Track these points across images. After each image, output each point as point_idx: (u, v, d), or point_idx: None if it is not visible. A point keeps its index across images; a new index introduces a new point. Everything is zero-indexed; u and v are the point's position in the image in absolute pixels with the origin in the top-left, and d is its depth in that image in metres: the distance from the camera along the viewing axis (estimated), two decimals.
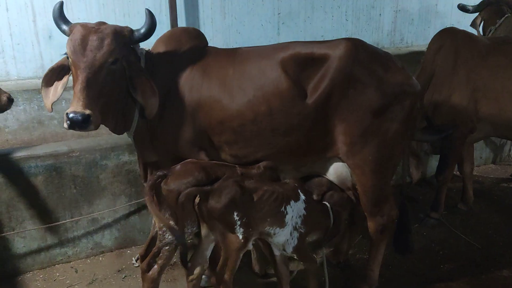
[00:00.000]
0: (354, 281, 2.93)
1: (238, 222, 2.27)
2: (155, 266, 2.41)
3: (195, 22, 4.19)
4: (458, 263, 3.26)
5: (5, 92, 2.80)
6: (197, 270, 2.51)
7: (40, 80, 3.63)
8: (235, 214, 2.26)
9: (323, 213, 2.63)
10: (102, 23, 2.46)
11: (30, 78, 3.73)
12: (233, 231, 2.28)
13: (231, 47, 3.39)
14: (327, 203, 2.65)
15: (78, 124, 2.20)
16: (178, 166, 2.43)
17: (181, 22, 4.07)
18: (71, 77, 2.39)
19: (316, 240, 2.70)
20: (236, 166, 2.56)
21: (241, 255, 2.35)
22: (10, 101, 2.81)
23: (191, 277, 2.51)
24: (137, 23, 2.63)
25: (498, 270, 3.16)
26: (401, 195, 2.98)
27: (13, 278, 3.07)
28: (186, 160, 2.51)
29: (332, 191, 2.72)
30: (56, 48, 3.73)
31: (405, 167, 3.19)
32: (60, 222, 3.14)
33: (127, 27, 2.48)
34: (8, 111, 2.99)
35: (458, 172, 4.16)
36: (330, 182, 2.77)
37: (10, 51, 3.62)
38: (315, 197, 2.70)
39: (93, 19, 3.21)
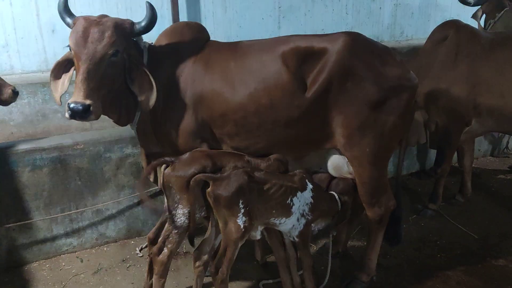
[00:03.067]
0: (353, 270, 2.99)
1: (242, 211, 2.32)
2: (165, 250, 2.48)
3: (196, 16, 4.22)
4: (455, 252, 3.33)
5: (10, 85, 2.85)
6: (204, 257, 2.58)
7: (44, 74, 3.76)
8: (241, 202, 2.31)
9: (330, 200, 2.68)
10: (104, 16, 2.52)
11: (34, 71, 3.77)
12: (236, 219, 2.33)
13: (232, 41, 3.44)
14: (333, 192, 2.70)
15: (79, 113, 2.25)
16: (186, 154, 2.50)
17: (183, 16, 4.10)
18: None
19: (325, 226, 2.76)
20: (244, 154, 2.60)
21: (240, 245, 2.41)
22: (15, 93, 2.85)
23: (198, 263, 2.58)
24: (139, 17, 2.66)
25: (494, 259, 3.23)
26: (396, 186, 3.04)
27: (20, 267, 3.15)
28: (194, 149, 2.57)
29: (337, 179, 2.77)
30: (59, 42, 3.76)
31: (401, 160, 3.25)
32: (65, 213, 3.21)
33: (128, 19, 2.54)
34: (12, 104, 3.04)
35: (457, 164, 4.21)
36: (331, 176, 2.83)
37: (14, 45, 3.66)
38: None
39: (95, 13, 3.25)
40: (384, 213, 2.79)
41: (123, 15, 3.86)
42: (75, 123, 3.80)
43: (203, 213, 2.52)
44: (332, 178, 2.84)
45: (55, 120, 3.68)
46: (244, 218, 2.33)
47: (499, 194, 4.28)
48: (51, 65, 3.74)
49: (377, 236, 2.87)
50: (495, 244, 3.43)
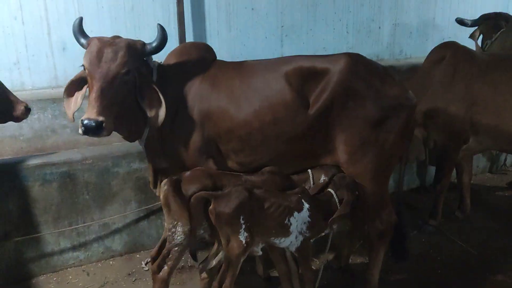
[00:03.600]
0: (355, 285, 3.05)
1: (243, 226, 2.37)
2: (165, 267, 2.52)
3: (202, 35, 4.35)
4: (455, 268, 3.39)
5: (23, 102, 2.93)
6: (209, 270, 2.64)
7: (54, 90, 3.86)
8: (241, 218, 2.37)
9: (329, 210, 2.65)
10: (117, 37, 2.62)
11: (44, 88, 3.87)
12: (237, 235, 2.39)
13: (237, 59, 3.55)
14: (331, 190, 2.68)
15: (92, 130, 2.34)
16: (188, 172, 2.57)
17: (189, 35, 4.22)
18: None
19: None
20: (241, 174, 2.68)
21: (242, 260, 2.45)
22: (27, 110, 2.94)
23: (203, 276, 2.64)
24: (147, 35, 2.78)
25: (493, 275, 3.28)
26: (398, 202, 3.11)
27: (27, 280, 3.20)
28: (196, 168, 2.65)
29: (343, 174, 2.74)
30: (69, 59, 3.88)
31: (402, 176, 3.33)
32: (73, 227, 3.28)
33: (139, 40, 2.63)
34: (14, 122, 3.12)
35: (455, 180, 4.29)
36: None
37: (25, 62, 3.77)
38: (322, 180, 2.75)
39: (105, 32, 3.37)
40: (385, 228, 2.86)
41: (131, 33, 4.01)
42: (83, 138, 3.85)
43: (202, 231, 2.56)
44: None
45: (64, 136, 3.77)
46: (245, 234, 2.39)
47: (498, 211, 4.34)
48: (61, 82, 3.93)
49: (379, 251, 2.92)
50: (494, 260, 3.49)
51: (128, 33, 3.88)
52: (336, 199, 2.66)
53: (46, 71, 3.86)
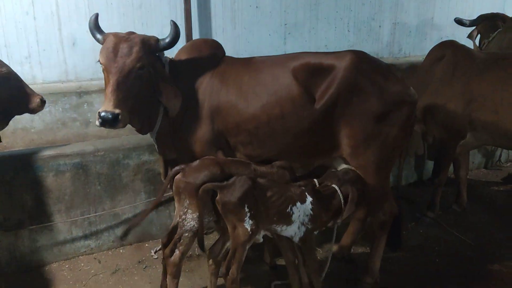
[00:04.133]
0: (358, 273, 3.18)
1: (248, 214, 2.47)
2: (177, 252, 2.63)
3: (207, 32, 4.46)
4: (452, 258, 3.52)
5: (38, 94, 3.03)
6: (217, 257, 2.75)
7: (64, 84, 3.97)
8: (246, 206, 2.47)
9: (333, 204, 2.74)
10: (131, 33, 2.73)
11: (55, 82, 3.97)
12: (242, 223, 2.49)
13: (241, 55, 3.66)
14: (335, 186, 2.74)
15: (109, 122, 2.44)
16: (196, 161, 2.66)
17: (195, 32, 4.33)
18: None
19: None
20: (251, 163, 2.77)
21: (247, 247, 2.56)
22: (43, 102, 3.03)
23: (211, 262, 2.75)
24: (155, 32, 2.88)
25: (490, 265, 3.42)
26: (397, 196, 3.23)
27: (41, 268, 3.29)
28: (204, 157, 2.75)
29: (347, 169, 2.83)
30: (79, 54, 3.99)
31: (401, 170, 3.46)
32: (85, 216, 3.38)
33: (153, 36, 2.74)
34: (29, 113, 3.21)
35: (453, 175, 4.44)
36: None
37: (37, 57, 3.87)
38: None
39: (114, 28, 3.46)
40: (387, 219, 2.99)
41: (139, 30, 4.06)
42: (92, 131, 4.01)
43: (211, 218, 2.68)
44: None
45: (74, 128, 3.88)
46: (250, 222, 2.49)
47: (493, 204, 4.49)
48: (71, 76, 4.05)
49: (380, 241, 3.06)
50: (490, 250, 3.63)
51: (136, 30, 3.89)
52: (341, 195, 2.74)
53: (56, 66, 3.96)
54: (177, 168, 2.63)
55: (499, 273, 3.32)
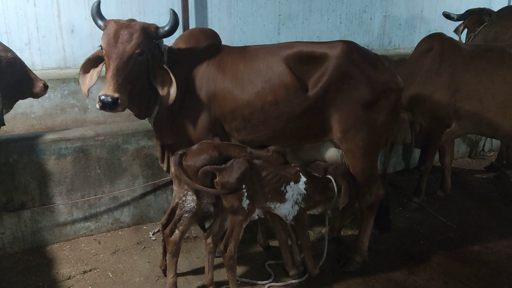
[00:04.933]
0: (347, 252, 3.35)
1: (245, 194, 2.62)
2: (177, 231, 2.77)
3: (203, 21, 4.56)
4: (436, 239, 3.71)
5: (41, 79, 3.10)
6: (214, 236, 2.89)
7: (63, 71, 4.04)
8: (244, 186, 2.62)
9: (326, 189, 2.95)
10: (132, 20, 2.81)
11: (54, 68, 4.05)
12: (240, 202, 2.64)
13: (236, 45, 3.76)
14: (330, 176, 2.97)
15: (108, 105, 2.53)
16: (195, 146, 2.79)
17: (191, 21, 4.43)
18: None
19: (324, 210, 3.07)
20: (247, 146, 2.91)
21: (244, 226, 2.71)
22: (46, 87, 3.11)
23: (209, 241, 2.90)
24: (152, 20, 2.97)
25: (471, 246, 3.61)
26: (384, 180, 3.40)
27: (42, 248, 3.41)
28: (202, 141, 2.87)
29: (335, 164, 3.08)
30: (77, 41, 4.06)
31: (388, 158, 3.62)
32: (85, 199, 3.50)
33: (153, 24, 2.83)
34: (33, 98, 3.29)
35: (439, 163, 4.62)
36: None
37: (36, 43, 3.94)
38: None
39: (111, 16, 3.54)
40: (374, 201, 3.15)
41: (136, 18, 4.18)
42: (90, 117, 4.10)
43: (209, 199, 2.82)
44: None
45: (72, 114, 3.97)
46: (247, 201, 2.64)
47: (475, 191, 4.70)
48: (69, 63, 4.12)
49: (368, 221, 3.22)
50: (471, 233, 3.83)
51: (133, 18, 4.05)
52: (334, 185, 2.94)
53: (55, 52, 4.03)
54: (180, 152, 2.73)
55: (478, 254, 3.52)
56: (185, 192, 2.73)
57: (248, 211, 2.68)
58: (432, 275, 3.21)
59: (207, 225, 2.97)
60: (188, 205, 2.75)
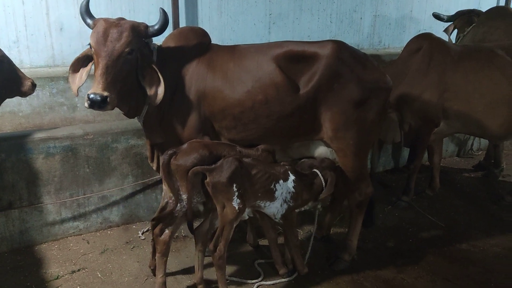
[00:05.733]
0: (336, 251, 3.37)
1: (236, 193, 2.62)
2: (167, 231, 2.76)
3: (194, 20, 4.54)
4: (425, 238, 3.75)
5: (29, 78, 3.08)
6: (204, 235, 2.89)
7: (51, 69, 4.00)
8: (234, 185, 2.61)
9: (314, 185, 2.95)
10: (121, 19, 2.80)
11: (42, 66, 4.00)
12: (231, 202, 2.63)
13: (227, 44, 3.76)
14: (316, 170, 2.97)
15: (97, 103, 2.52)
16: (185, 145, 2.78)
17: (182, 20, 4.41)
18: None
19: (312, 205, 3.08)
20: (236, 145, 2.90)
21: (234, 225, 2.71)
22: (34, 86, 3.09)
23: (199, 239, 2.89)
24: (141, 19, 2.96)
25: (459, 244, 3.65)
26: (372, 179, 3.41)
27: (30, 248, 3.38)
28: (192, 140, 2.86)
29: (323, 157, 3.08)
30: (66, 39, 4.03)
31: (377, 157, 3.65)
32: (74, 198, 3.47)
33: (143, 23, 2.81)
34: (20, 97, 3.26)
35: (427, 163, 4.67)
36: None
37: (25, 41, 3.89)
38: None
39: (101, 14, 3.52)
40: (363, 198, 3.18)
41: (125, 17, 4.14)
42: (79, 115, 4.07)
43: (199, 199, 2.82)
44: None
45: (61, 113, 3.93)
46: (238, 201, 2.64)
47: (464, 190, 4.75)
48: (58, 61, 4.09)
49: (357, 219, 3.25)
50: (459, 231, 3.87)
51: (123, 16, 4.02)
52: (322, 178, 2.95)
53: (44, 50, 3.99)
54: (170, 151, 2.72)
55: (466, 252, 3.56)
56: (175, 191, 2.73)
57: (239, 210, 2.68)
58: (420, 273, 3.24)
59: (196, 225, 2.96)
60: (179, 204, 2.74)
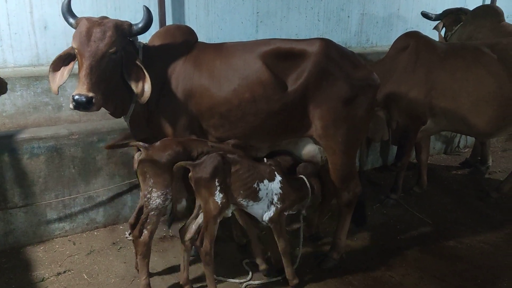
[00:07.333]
0: (324, 249, 3.37)
1: (218, 188, 2.62)
2: (145, 232, 2.73)
3: (181, 18, 4.50)
4: (413, 235, 3.77)
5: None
6: (190, 234, 2.87)
7: (35, 68, 3.93)
8: (216, 181, 2.61)
9: (301, 187, 2.94)
10: (104, 17, 2.76)
11: (26, 65, 3.92)
12: (213, 197, 2.62)
13: (214, 42, 3.73)
14: (302, 176, 2.97)
15: (83, 104, 2.48)
16: (157, 142, 2.76)
17: (168, 18, 4.36)
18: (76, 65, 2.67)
19: (298, 209, 3.03)
20: (207, 141, 2.90)
21: (218, 221, 2.70)
22: (5, 84, 2.97)
23: (185, 239, 2.87)
24: (127, 17, 2.92)
25: (446, 241, 3.68)
26: (361, 177, 3.43)
27: (15, 250, 3.33)
28: (164, 138, 2.84)
29: (305, 163, 3.06)
30: (51, 38, 3.95)
31: (365, 155, 3.65)
32: (59, 199, 3.42)
33: (126, 21, 2.78)
34: (5, 96, 3.20)
35: (415, 160, 4.70)
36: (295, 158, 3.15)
37: (8, 40, 3.81)
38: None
39: (86, 13, 3.46)
40: (352, 197, 3.18)
41: (111, 15, 4.07)
42: (64, 115, 3.99)
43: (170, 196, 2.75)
44: (295, 161, 3.12)
45: (46, 112, 3.86)
46: (220, 195, 2.63)
47: (451, 187, 4.79)
48: (42, 60, 4.01)
49: (346, 218, 3.25)
50: (446, 228, 3.90)
51: (108, 15, 3.88)
52: (308, 185, 2.94)
53: (28, 49, 3.91)
54: (143, 149, 2.70)
55: (454, 249, 3.59)
56: (150, 189, 2.69)
57: (222, 206, 2.66)
58: (407, 270, 3.25)
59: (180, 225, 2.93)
60: (154, 202, 2.71)
